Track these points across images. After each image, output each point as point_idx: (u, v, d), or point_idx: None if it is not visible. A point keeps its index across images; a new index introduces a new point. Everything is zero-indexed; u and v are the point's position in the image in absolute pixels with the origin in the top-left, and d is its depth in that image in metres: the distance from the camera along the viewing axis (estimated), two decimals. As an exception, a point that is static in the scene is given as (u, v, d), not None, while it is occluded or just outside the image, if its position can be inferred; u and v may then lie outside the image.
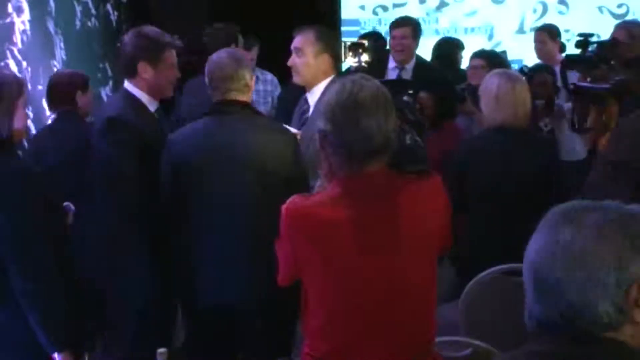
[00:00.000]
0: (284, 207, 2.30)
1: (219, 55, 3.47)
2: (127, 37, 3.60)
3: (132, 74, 3.56)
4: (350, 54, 4.36)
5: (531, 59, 6.81)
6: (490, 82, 3.84)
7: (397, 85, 2.90)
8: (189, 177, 3.31)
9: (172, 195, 3.36)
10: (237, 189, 3.28)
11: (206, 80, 3.45)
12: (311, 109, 3.91)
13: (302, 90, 3.99)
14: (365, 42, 4.16)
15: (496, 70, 4.00)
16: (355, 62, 4.20)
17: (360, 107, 2.21)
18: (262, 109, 5.09)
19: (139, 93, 3.56)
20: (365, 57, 4.13)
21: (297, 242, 2.27)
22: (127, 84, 3.60)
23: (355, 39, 4.62)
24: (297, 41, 3.89)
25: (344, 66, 4.52)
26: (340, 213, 2.22)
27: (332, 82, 3.89)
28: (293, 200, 2.31)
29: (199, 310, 3.39)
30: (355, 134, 2.20)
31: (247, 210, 3.29)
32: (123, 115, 3.49)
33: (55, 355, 2.76)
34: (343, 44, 4.49)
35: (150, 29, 3.60)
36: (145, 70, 3.52)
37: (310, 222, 2.24)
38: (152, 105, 3.59)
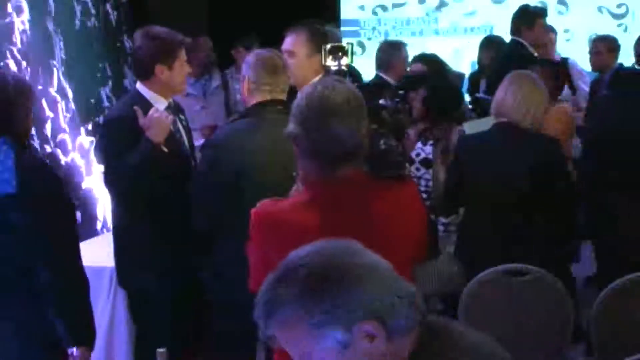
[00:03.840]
0: (253, 211, 2.27)
1: (266, 55, 3.47)
2: (139, 40, 3.61)
3: (147, 76, 3.57)
4: (330, 57, 4.36)
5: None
6: (508, 82, 3.86)
7: (376, 88, 2.89)
8: (237, 175, 3.28)
9: (217, 193, 3.32)
10: (287, 189, 3.30)
11: (248, 78, 3.42)
12: None
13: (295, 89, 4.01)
14: (345, 45, 4.16)
15: (519, 71, 4.02)
16: (335, 66, 4.19)
17: (332, 110, 2.16)
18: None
19: (150, 94, 3.58)
20: (345, 61, 4.13)
21: (268, 247, 2.22)
22: (139, 85, 3.63)
23: (339, 42, 4.62)
24: (289, 43, 3.88)
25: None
26: (311, 218, 2.17)
27: None
28: (263, 204, 2.28)
29: (231, 307, 3.40)
30: (326, 137, 2.15)
31: None
32: (122, 116, 3.51)
33: (74, 349, 2.80)
34: (322, 49, 4.49)
35: (160, 30, 3.61)
36: (162, 72, 3.54)
37: (280, 228, 2.20)
38: (161, 105, 3.60)
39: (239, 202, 3.30)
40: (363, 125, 2.20)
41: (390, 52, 5.75)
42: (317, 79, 3.91)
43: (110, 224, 5.70)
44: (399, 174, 2.38)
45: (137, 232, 3.58)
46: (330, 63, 4.27)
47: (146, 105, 3.54)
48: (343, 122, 2.15)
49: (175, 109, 3.69)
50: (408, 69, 5.61)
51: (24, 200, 2.69)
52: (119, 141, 3.47)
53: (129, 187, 3.47)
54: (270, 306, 1.53)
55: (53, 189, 2.81)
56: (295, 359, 1.54)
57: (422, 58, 5.60)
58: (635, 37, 5.58)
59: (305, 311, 1.49)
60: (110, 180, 3.56)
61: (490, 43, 6.40)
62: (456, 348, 1.56)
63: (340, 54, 4.27)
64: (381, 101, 2.62)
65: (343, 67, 4.23)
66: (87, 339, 2.88)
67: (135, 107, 3.44)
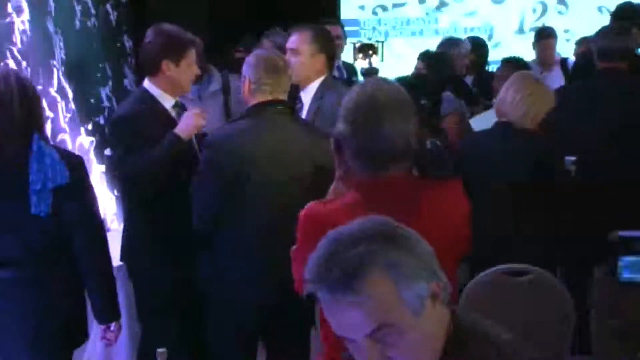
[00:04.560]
0: (301, 213, 2.26)
1: (269, 56, 3.49)
2: (149, 36, 3.63)
3: (154, 72, 3.60)
4: (360, 55, 4.34)
5: (531, 59, 6.82)
6: (509, 82, 3.87)
7: (415, 88, 2.88)
8: (238, 176, 3.30)
9: (217, 193, 3.34)
10: (287, 189, 3.30)
11: (248, 79, 3.43)
12: (305, 107, 3.94)
13: (297, 88, 4.01)
14: (375, 44, 4.13)
15: (522, 72, 4.04)
16: (366, 64, 4.18)
17: (382, 110, 2.15)
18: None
19: (157, 92, 3.60)
20: (375, 59, 4.11)
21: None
22: (146, 82, 3.65)
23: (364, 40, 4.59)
24: (293, 41, 3.90)
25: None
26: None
27: (325, 80, 3.92)
28: (311, 206, 2.26)
29: (230, 306, 3.41)
30: (376, 137, 2.14)
31: (293, 211, 3.32)
32: (131, 114, 3.53)
33: (112, 325, 3.10)
34: (352, 46, 4.46)
35: (171, 27, 3.64)
36: (168, 68, 3.56)
37: (330, 228, 2.16)
38: (168, 102, 3.62)
39: (239, 202, 3.31)
40: (412, 125, 2.19)
41: (448, 47, 5.79)
42: (320, 79, 3.92)
43: (110, 224, 5.71)
44: (447, 173, 2.36)
45: (145, 224, 3.62)
46: (361, 62, 4.28)
47: (153, 103, 3.56)
48: (393, 123, 2.15)
49: (181, 108, 3.71)
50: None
51: (74, 188, 2.94)
52: (131, 136, 3.48)
53: (149, 179, 3.46)
54: (352, 267, 1.46)
55: (87, 175, 3.10)
56: (367, 330, 1.47)
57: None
58: (635, 37, 5.58)
59: (390, 267, 1.47)
60: (127, 173, 3.56)
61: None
62: (487, 343, 1.56)
63: (370, 52, 4.28)
64: (422, 102, 2.62)
65: (374, 66, 4.25)
66: (118, 315, 3.15)
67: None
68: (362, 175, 2.20)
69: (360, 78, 5.95)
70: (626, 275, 3.54)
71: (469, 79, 6.02)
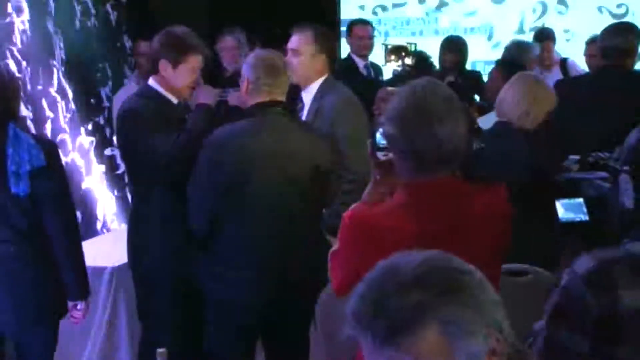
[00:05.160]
0: (346, 215, 2.22)
1: (266, 56, 3.47)
2: (157, 35, 3.65)
3: (154, 71, 3.61)
4: (393, 57, 4.31)
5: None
6: (510, 82, 3.87)
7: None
8: (237, 176, 3.30)
9: (214, 193, 3.33)
10: (286, 189, 3.30)
11: (247, 79, 3.42)
12: (305, 108, 3.93)
13: (298, 88, 4.01)
14: (408, 45, 4.10)
15: (524, 72, 4.04)
16: (399, 66, 4.15)
17: (432, 112, 2.10)
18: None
19: (161, 89, 3.60)
20: (408, 61, 4.08)
21: (362, 251, 2.15)
22: (150, 80, 3.65)
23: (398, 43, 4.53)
24: (294, 42, 3.89)
25: (387, 70, 4.51)
26: (409, 222, 2.12)
27: (326, 81, 3.92)
28: (356, 209, 2.23)
29: (228, 307, 3.40)
30: (426, 139, 2.09)
31: (292, 212, 3.31)
32: (139, 107, 3.53)
33: (80, 303, 3.30)
34: (384, 47, 4.42)
35: (180, 30, 3.62)
36: (165, 68, 3.55)
37: (377, 233, 2.14)
38: (174, 99, 3.62)
39: (237, 202, 3.30)
40: (461, 127, 2.14)
41: (517, 52, 5.71)
42: (321, 79, 3.92)
43: (110, 224, 5.71)
44: (491, 176, 2.34)
45: (147, 224, 3.62)
46: (394, 63, 4.25)
47: (158, 97, 3.57)
48: (443, 125, 2.10)
49: (184, 109, 3.71)
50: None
51: (49, 170, 3.14)
52: (145, 124, 3.47)
53: (189, 155, 3.38)
54: (402, 320, 1.30)
55: (60, 158, 3.32)
56: None
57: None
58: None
59: (445, 323, 1.31)
60: (170, 152, 3.45)
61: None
62: None
63: (403, 53, 4.26)
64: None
65: (407, 67, 4.23)
66: (87, 293, 3.34)
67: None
68: (409, 178, 2.16)
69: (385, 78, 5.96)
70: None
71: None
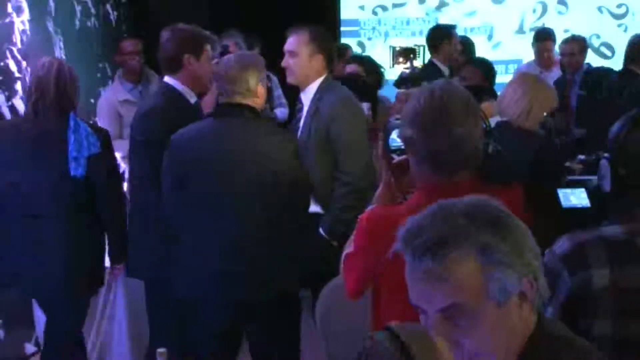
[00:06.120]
0: (363, 217, 2.21)
1: (228, 59, 3.50)
2: (166, 36, 3.69)
3: (175, 69, 3.65)
4: (401, 59, 4.29)
5: (530, 59, 6.82)
6: (511, 81, 3.89)
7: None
8: (193, 177, 3.32)
9: (174, 194, 3.37)
10: (242, 189, 3.29)
11: (216, 79, 3.50)
12: (304, 108, 3.93)
13: (297, 89, 4.01)
14: (416, 47, 4.09)
15: (524, 72, 4.05)
16: (407, 68, 4.13)
17: (451, 114, 2.10)
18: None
19: (180, 87, 3.64)
20: (416, 63, 4.06)
21: (382, 251, 2.05)
22: (167, 79, 3.68)
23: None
24: (291, 43, 3.89)
25: (394, 71, 4.48)
26: None
27: (324, 81, 3.91)
28: (374, 210, 2.22)
29: (205, 306, 3.40)
30: (445, 141, 2.09)
31: (252, 211, 3.29)
32: (157, 109, 3.55)
33: (118, 266, 3.78)
34: (392, 49, 4.41)
35: (185, 25, 3.73)
36: (189, 62, 3.62)
37: (394, 233, 2.14)
38: (191, 98, 3.67)
39: (198, 203, 3.32)
40: (479, 129, 2.15)
41: None
42: (320, 79, 3.91)
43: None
44: (509, 179, 2.32)
45: (146, 225, 3.65)
46: (402, 65, 4.23)
47: (177, 97, 3.59)
48: (462, 127, 2.09)
49: (199, 110, 3.76)
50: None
51: (105, 155, 3.60)
52: (163, 128, 3.47)
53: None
54: (442, 238, 1.39)
55: (112, 146, 3.73)
56: (440, 306, 1.40)
57: (356, 58, 5.55)
58: (636, 38, 5.59)
59: (482, 249, 1.39)
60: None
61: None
62: (572, 349, 1.49)
63: (411, 55, 4.24)
64: None
65: (415, 69, 4.21)
66: (126, 258, 3.78)
67: None
68: (427, 180, 2.15)
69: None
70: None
71: None
